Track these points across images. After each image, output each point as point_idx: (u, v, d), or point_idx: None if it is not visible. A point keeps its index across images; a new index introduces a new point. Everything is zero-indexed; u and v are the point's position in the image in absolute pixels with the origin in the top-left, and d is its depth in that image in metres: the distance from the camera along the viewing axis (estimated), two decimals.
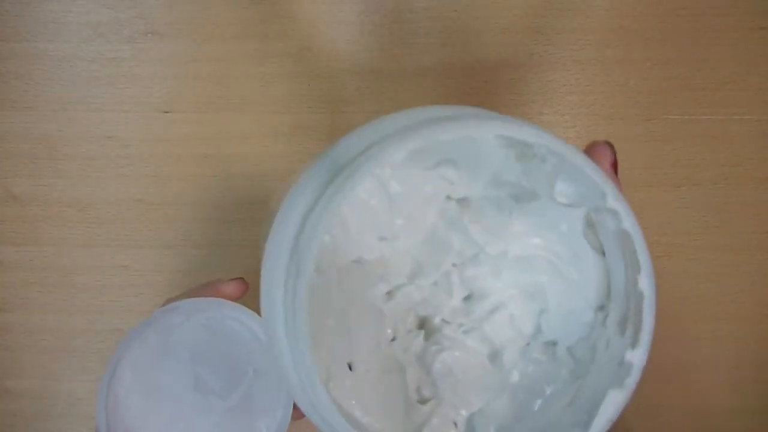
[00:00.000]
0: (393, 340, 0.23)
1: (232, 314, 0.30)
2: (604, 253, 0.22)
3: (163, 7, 0.51)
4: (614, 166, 0.26)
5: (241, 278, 0.34)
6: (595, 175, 0.20)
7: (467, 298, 0.24)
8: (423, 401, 0.23)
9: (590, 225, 0.22)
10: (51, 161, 0.50)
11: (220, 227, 0.50)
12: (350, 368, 0.22)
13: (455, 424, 0.23)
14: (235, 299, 0.33)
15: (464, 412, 0.23)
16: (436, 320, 0.24)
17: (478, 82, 0.51)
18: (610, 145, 0.26)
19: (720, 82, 0.52)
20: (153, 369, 0.28)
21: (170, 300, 0.34)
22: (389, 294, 0.24)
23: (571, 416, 0.21)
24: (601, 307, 0.22)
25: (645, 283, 0.20)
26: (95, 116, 0.50)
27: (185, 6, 0.51)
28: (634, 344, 0.20)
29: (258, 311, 0.25)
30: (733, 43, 0.52)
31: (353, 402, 0.21)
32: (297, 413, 0.28)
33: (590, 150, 0.26)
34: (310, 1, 0.51)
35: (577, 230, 0.22)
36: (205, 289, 0.34)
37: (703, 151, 0.52)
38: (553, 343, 0.23)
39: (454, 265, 0.24)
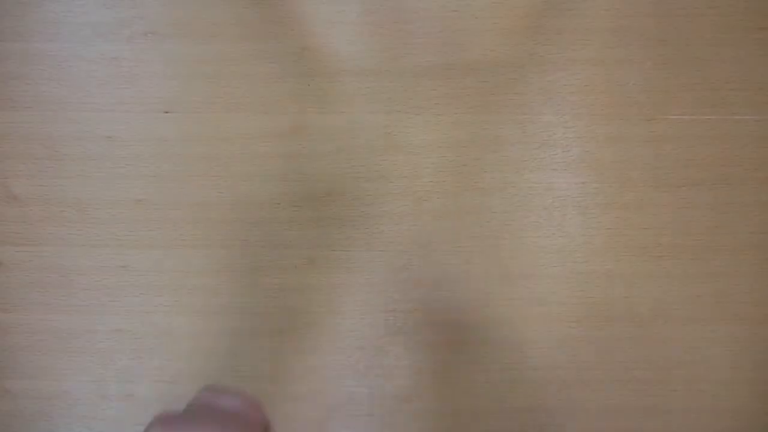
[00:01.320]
0: None
1: None
2: None
3: (163, 7, 0.51)
4: None
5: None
6: None
7: None
8: None
9: None
10: (51, 161, 0.50)
11: (220, 227, 0.50)
12: None
13: None
14: None
15: None
16: None
17: (478, 82, 0.51)
18: None
19: (720, 82, 0.52)
20: None
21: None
22: None
23: None
24: None
25: None
26: (95, 116, 0.50)
27: (185, 6, 0.51)
28: None
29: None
30: (733, 43, 0.52)
31: None
32: None
33: None
34: (310, 1, 0.51)
35: None
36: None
37: (703, 151, 0.52)
38: None
39: None
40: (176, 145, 0.50)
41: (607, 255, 0.51)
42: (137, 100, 0.50)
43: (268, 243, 0.50)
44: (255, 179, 0.50)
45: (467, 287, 0.50)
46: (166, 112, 0.50)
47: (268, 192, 0.51)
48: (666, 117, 0.52)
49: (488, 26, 0.52)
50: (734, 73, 0.52)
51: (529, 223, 0.51)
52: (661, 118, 0.52)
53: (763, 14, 0.52)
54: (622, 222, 0.51)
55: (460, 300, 0.50)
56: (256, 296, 0.49)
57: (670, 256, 0.51)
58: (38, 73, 0.50)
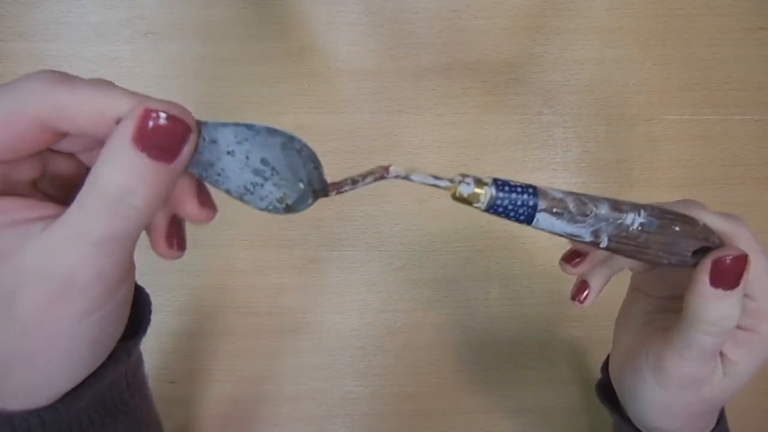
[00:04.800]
0: None
1: None
2: None
3: (163, 7, 0.51)
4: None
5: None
6: None
7: None
8: None
9: None
10: None
11: (220, 227, 0.50)
12: None
13: None
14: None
15: None
16: None
17: (478, 82, 0.51)
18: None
19: (720, 82, 0.52)
20: None
21: None
22: None
23: None
24: None
25: None
26: None
27: (185, 6, 0.51)
28: None
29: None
30: (733, 43, 0.52)
31: None
32: None
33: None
34: (310, 1, 0.51)
35: None
36: None
37: (703, 151, 0.52)
38: None
39: None
40: None
41: None
42: None
43: (268, 243, 0.50)
44: None
45: (467, 287, 0.50)
46: None
47: None
48: (666, 117, 0.52)
49: (488, 26, 0.52)
50: (734, 73, 0.52)
51: None
52: (661, 118, 0.52)
53: (763, 14, 0.53)
54: None
55: (460, 300, 0.50)
56: (256, 296, 0.49)
57: None
58: None
